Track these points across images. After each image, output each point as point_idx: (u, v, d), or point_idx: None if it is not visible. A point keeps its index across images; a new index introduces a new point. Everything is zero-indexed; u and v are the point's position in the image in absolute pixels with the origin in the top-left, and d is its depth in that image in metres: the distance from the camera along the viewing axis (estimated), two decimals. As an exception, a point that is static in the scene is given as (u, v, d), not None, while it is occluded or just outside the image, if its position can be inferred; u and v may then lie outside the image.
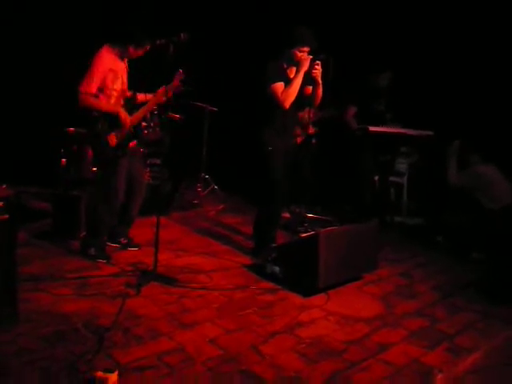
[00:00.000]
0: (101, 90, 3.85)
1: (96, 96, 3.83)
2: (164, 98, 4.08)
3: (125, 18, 4.11)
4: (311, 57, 4.10)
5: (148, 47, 3.93)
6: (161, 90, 4.03)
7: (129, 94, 4.14)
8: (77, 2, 5.94)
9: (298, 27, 4.17)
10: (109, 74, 3.85)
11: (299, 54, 4.13)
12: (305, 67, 4.11)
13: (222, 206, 6.17)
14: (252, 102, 4.59)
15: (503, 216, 5.14)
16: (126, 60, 4.06)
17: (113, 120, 3.91)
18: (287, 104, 4.16)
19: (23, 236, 4.29)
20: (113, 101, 3.94)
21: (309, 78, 4.19)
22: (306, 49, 4.13)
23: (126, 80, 4.08)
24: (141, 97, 4.19)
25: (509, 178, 5.26)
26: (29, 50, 5.79)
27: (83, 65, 3.85)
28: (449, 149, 5.39)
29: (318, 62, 4.10)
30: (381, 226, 4.39)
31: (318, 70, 4.12)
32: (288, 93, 4.14)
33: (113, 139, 3.94)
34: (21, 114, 5.76)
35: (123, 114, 3.94)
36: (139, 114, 4.08)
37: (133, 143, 4.11)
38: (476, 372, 2.91)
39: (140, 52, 3.96)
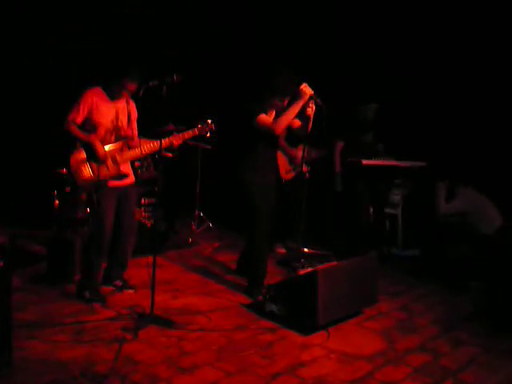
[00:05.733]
0: (88, 124, 3.91)
1: (82, 128, 3.89)
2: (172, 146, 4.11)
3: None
4: (312, 92, 4.07)
5: (137, 82, 3.91)
6: (165, 141, 4.00)
7: (127, 133, 4.08)
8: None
9: (279, 75, 4.24)
10: (95, 110, 3.89)
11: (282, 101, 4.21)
12: (304, 100, 4.08)
13: (217, 244, 6.12)
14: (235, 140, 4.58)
15: (499, 240, 5.16)
16: (130, 102, 4.10)
17: (93, 152, 3.90)
18: (279, 129, 4.14)
19: (18, 281, 4.22)
20: (99, 136, 3.94)
21: (300, 114, 4.19)
22: (286, 100, 4.21)
23: (124, 120, 4.07)
24: (136, 142, 4.13)
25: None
26: (22, 92, 5.82)
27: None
28: (439, 183, 5.50)
29: (312, 101, 4.12)
30: (378, 258, 4.36)
31: (312, 109, 4.15)
32: (282, 119, 4.10)
33: (86, 171, 3.91)
34: (13, 156, 5.75)
35: (98, 145, 3.89)
36: (128, 154, 4.05)
37: (118, 183, 4.03)
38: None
39: (133, 86, 3.93)
